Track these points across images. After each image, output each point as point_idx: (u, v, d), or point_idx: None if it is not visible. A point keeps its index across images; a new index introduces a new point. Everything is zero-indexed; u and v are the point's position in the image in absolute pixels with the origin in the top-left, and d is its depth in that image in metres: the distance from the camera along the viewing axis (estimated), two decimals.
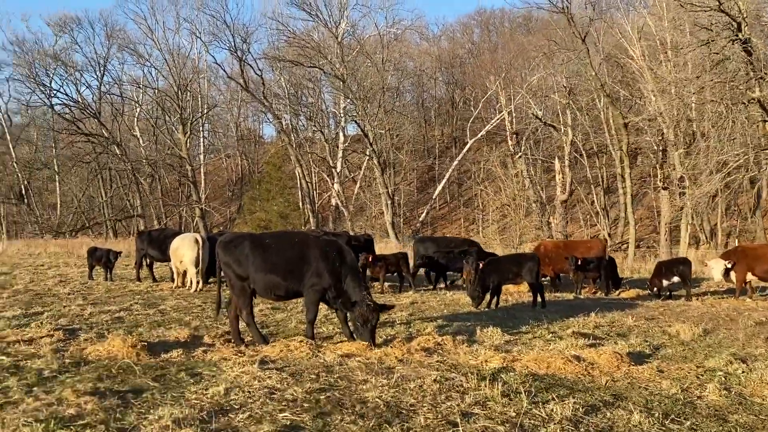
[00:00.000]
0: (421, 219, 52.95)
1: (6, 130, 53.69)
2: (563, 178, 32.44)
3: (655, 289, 15.74)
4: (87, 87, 54.75)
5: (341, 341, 8.58)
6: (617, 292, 16.69)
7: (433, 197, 53.06)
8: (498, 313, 11.56)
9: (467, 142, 48.09)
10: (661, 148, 31.17)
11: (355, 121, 39.33)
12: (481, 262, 14.88)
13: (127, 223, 54.25)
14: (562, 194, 32.22)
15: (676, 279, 15.47)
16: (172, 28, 52.49)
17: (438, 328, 9.60)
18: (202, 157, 58.52)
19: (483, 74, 61.52)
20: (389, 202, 41.01)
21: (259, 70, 45.61)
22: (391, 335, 9.05)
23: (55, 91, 51.31)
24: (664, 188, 30.72)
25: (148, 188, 52.41)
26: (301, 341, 7.99)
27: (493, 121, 47.24)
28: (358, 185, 52.18)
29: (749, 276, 15.19)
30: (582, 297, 15.29)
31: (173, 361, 7.47)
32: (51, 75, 50.90)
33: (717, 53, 22.59)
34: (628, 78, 38.60)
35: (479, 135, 47.98)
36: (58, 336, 8.79)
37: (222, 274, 8.73)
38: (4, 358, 7.50)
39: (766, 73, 21.65)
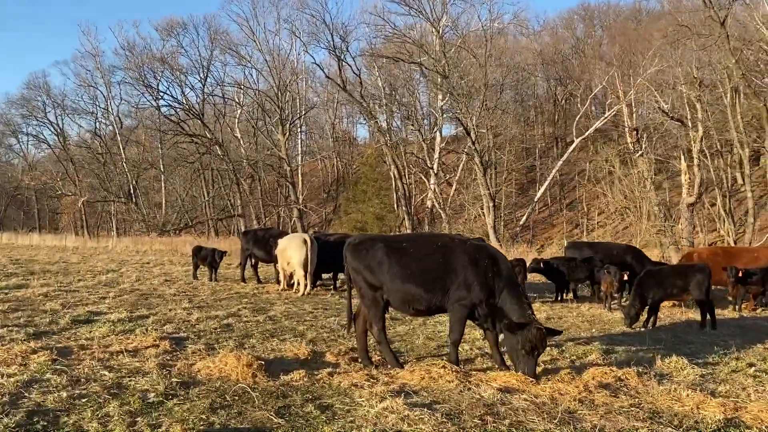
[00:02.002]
0: (521, 222, 50.53)
1: (117, 132, 55.91)
2: (690, 178, 29.23)
3: None
4: (191, 89, 56.13)
5: (489, 368, 7.10)
6: None
7: (535, 199, 50.44)
8: (661, 335, 9.66)
9: (572, 141, 45.23)
10: None
11: (458, 118, 37.58)
12: (624, 272, 13.00)
13: (227, 223, 55.14)
14: (689, 197, 29.00)
15: None
16: (273, 30, 52.51)
17: (603, 353, 7.90)
18: (300, 158, 58.66)
19: (590, 69, 58.21)
20: (491, 204, 38.92)
21: (357, 69, 44.85)
22: (545, 363, 7.44)
23: (161, 94, 52.78)
24: None
25: (248, 188, 52.93)
26: (443, 367, 6.55)
27: (604, 116, 44.19)
28: (453, 187, 50.47)
29: None
30: (746, 315, 12.99)
31: (295, 385, 6.24)
32: (158, 78, 52.36)
33: None
34: (755, 71, 34.85)
35: (587, 133, 45.04)
36: (164, 346, 7.84)
37: (350, 281, 7.45)
38: (106, 373, 6.55)
39: None
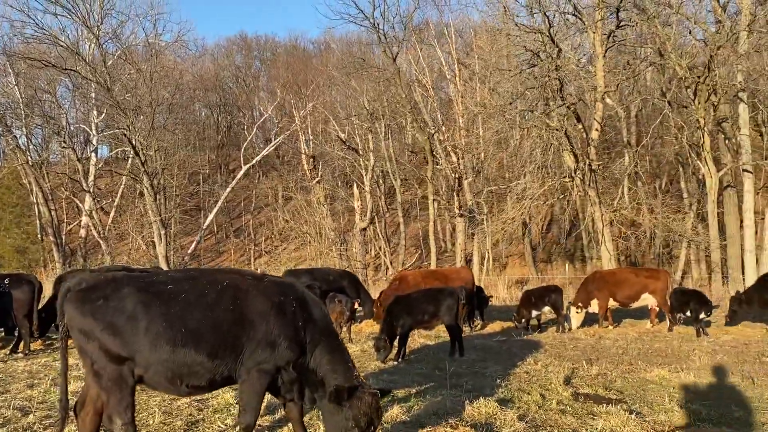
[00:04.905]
0: (190, 251, 47.70)
1: None
2: (363, 204, 30.97)
3: (523, 320, 14.50)
4: None
5: None
6: (479, 324, 15.14)
7: (203, 227, 48.20)
8: (424, 368, 8.87)
9: (238, 168, 44.56)
10: (456, 175, 31.46)
11: (125, 135, 33.33)
12: (356, 300, 12.21)
13: None
14: (362, 221, 30.70)
15: (546, 308, 14.42)
16: None
17: (399, 404, 6.61)
18: None
19: (252, 98, 58.85)
20: (162, 231, 35.63)
21: None
22: None
23: None
24: (461, 216, 30.96)
25: None
26: None
27: (271, 144, 44.46)
28: (111, 215, 45.39)
29: (610, 302, 14.76)
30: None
31: None
32: None
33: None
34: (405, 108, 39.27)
35: (255, 160, 44.75)
36: None
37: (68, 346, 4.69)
38: None
39: (570, 104, 22.45)
